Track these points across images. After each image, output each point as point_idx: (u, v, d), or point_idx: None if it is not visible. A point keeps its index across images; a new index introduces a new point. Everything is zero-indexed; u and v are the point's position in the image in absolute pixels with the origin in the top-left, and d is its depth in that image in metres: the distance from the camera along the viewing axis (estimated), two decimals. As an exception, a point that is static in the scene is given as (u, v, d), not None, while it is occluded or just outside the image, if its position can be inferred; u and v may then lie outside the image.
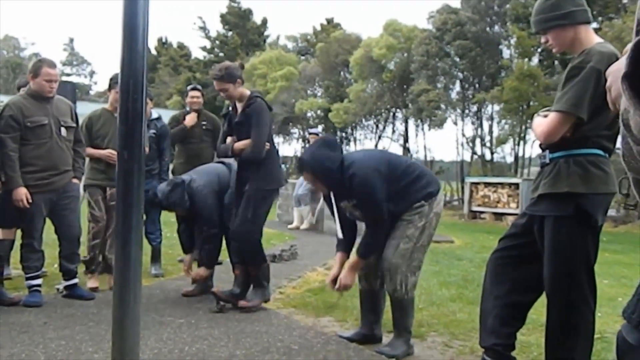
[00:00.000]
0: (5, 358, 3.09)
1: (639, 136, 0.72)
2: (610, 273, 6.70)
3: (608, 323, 4.08)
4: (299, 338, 3.59)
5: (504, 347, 2.87)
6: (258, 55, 31.31)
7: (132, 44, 1.82)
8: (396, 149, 26.80)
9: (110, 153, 4.77)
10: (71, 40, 65.41)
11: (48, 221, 4.51)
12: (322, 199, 10.49)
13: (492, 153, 23.89)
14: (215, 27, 44.67)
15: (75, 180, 4.52)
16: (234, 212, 4.40)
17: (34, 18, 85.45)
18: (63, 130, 4.41)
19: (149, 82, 2.30)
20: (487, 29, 22.15)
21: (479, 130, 24.20)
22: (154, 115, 5.74)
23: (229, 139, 4.40)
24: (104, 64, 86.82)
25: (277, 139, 35.84)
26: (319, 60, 29.23)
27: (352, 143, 30.98)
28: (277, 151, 4.66)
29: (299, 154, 33.52)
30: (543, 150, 2.75)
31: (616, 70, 0.84)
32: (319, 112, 29.36)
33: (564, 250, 2.63)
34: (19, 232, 4.51)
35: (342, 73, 28.98)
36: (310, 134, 12.37)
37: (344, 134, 31.02)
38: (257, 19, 39.21)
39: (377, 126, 29.41)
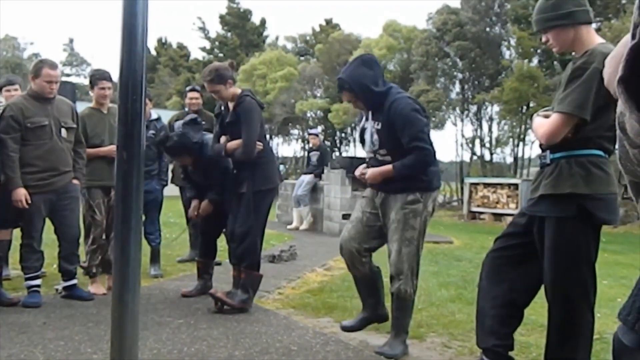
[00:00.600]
0: (4, 358, 3.09)
1: (635, 139, 0.72)
2: (609, 273, 6.70)
3: (607, 324, 4.08)
4: (298, 339, 3.59)
5: (503, 347, 2.87)
6: (258, 56, 31.32)
7: (132, 44, 1.82)
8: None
9: (112, 149, 4.73)
10: (71, 40, 65.53)
11: (47, 222, 4.51)
12: (321, 200, 10.52)
13: (491, 154, 23.92)
14: (215, 27, 44.70)
15: (75, 181, 4.52)
16: (231, 214, 4.39)
17: (33, 18, 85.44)
18: (63, 131, 4.41)
19: (148, 83, 2.30)
20: (487, 29, 22.17)
21: (479, 131, 24.23)
22: (154, 115, 5.74)
23: (222, 139, 4.38)
24: (104, 64, 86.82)
25: (277, 140, 35.88)
26: (320, 60, 29.24)
27: (351, 144, 31.00)
28: (271, 149, 4.64)
29: (298, 155, 33.57)
30: (543, 150, 2.75)
31: (612, 72, 0.84)
32: (318, 112, 29.37)
33: (566, 251, 2.63)
34: (17, 232, 4.51)
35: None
36: (309, 134, 12.38)
37: (343, 135, 31.04)
38: (256, 19, 39.25)
39: (376, 127, 29.35)
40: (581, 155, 2.62)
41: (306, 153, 12.92)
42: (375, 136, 3.44)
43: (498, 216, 15.05)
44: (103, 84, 4.78)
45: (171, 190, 6.40)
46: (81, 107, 5.05)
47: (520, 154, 22.93)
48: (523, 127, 21.21)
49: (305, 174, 11.21)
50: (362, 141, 3.61)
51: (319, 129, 27.08)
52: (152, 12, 1.87)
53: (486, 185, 15.81)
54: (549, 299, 2.73)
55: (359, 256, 3.54)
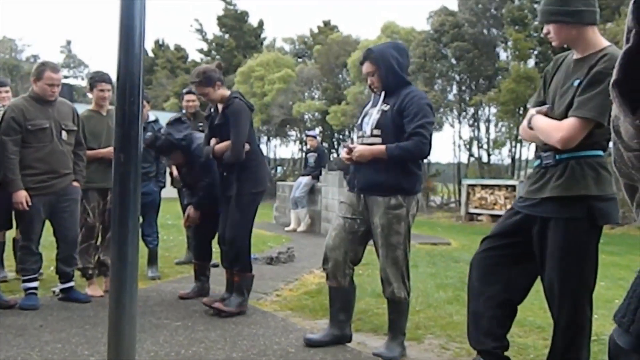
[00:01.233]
0: (1, 361, 3.08)
1: (629, 142, 0.73)
2: (606, 275, 6.70)
3: (605, 325, 4.08)
4: (296, 340, 3.59)
5: (502, 349, 2.86)
6: (255, 58, 31.32)
7: (129, 46, 1.82)
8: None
9: (110, 151, 4.72)
10: (68, 42, 65.30)
11: (46, 223, 4.50)
12: (319, 202, 10.51)
13: (489, 155, 23.92)
14: (212, 29, 44.67)
15: (75, 184, 4.51)
16: (221, 216, 4.39)
17: (31, 20, 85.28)
18: (64, 133, 4.41)
19: (146, 85, 2.30)
20: (484, 31, 22.21)
21: (476, 132, 24.24)
22: (151, 117, 5.74)
23: (212, 141, 4.36)
24: (101, 66, 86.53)
25: (275, 141, 35.87)
26: (317, 62, 29.24)
27: (349, 145, 30.94)
28: (261, 151, 4.62)
29: (296, 157, 33.55)
30: (545, 150, 2.70)
31: None
32: (316, 114, 29.37)
33: (576, 253, 2.61)
34: (10, 234, 4.50)
35: (340, 75, 29.01)
36: (307, 136, 12.38)
37: (341, 137, 31.03)
38: (253, 21, 39.24)
39: (374, 128, 29.37)
40: (589, 156, 2.60)
41: (304, 155, 12.91)
42: (376, 116, 3.42)
43: (496, 217, 15.04)
44: (102, 86, 4.77)
45: (169, 192, 6.39)
46: (78, 109, 5.04)
47: (517, 156, 22.93)
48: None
49: (303, 175, 11.20)
50: (360, 126, 3.57)
51: (317, 130, 27.11)
52: (149, 14, 1.88)
53: (484, 186, 15.81)
54: (554, 300, 2.69)
55: (343, 267, 3.50)
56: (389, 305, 3.49)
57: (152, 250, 5.77)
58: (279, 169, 34.57)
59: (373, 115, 3.45)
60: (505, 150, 23.66)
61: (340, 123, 26.10)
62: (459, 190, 19.93)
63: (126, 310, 1.82)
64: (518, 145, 22.38)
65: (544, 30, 2.74)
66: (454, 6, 23.27)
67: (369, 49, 3.55)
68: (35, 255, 4.36)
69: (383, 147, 3.35)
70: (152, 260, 5.77)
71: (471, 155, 24.51)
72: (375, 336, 3.87)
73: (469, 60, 21.78)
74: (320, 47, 29.20)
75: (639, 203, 0.82)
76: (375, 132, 3.41)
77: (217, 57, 37.82)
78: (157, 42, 43.41)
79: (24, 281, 4.33)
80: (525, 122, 2.82)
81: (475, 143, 24.24)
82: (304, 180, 10.85)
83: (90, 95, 4.96)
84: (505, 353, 2.89)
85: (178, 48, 42.78)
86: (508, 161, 23.47)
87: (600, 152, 2.65)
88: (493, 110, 22.78)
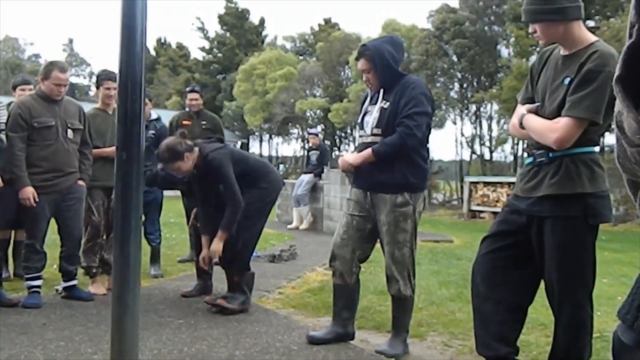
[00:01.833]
0: (4, 359, 3.09)
1: (633, 138, 0.72)
2: (609, 272, 6.70)
3: (607, 322, 4.08)
4: (299, 338, 3.59)
5: (515, 353, 2.81)
6: (257, 56, 31.33)
7: (130, 44, 1.82)
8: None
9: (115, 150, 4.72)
10: (70, 40, 65.56)
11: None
12: (321, 200, 10.51)
13: (491, 152, 23.93)
14: (214, 27, 44.64)
15: (80, 182, 4.52)
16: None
17: (33, 19, 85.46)
18: (70, 132, 4.41)
19: (148, 83, 2.30)
20: (486, 28, 22.19)
21: (478, 129, 24.24)
22: (154, 115, 5.74)
23: (204, 252, 4.29)
24: (104, 65, 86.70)
25: (277, 139, 35.90)
26: (319, 59, 29.23)
27: (351, 144, 30.98)
28: (261, 163, 4.53)
29: (298, 155, 33.56)
30: (538, 148, 2.68)
31: None
32: (318, 112, 29.37)
33: (573, 251, 2.60)
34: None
35: (342, 73, 29.00)
36: (309, 134, 12.38)
37: (343, 134, 31.04)
38: (254, 19, 39.26)
39: (376, 126, 29.35)
40: (582, 153, 2.59)
41: (306, 152, 12.91)
42: (376, 114, 3.39)
43: (499, 214, 15.02)
44: (109, 85, 4.77)
45: (171, 191, 6.39)
46: (81, 107, 5.04)
47: (520, 153, 22.91)
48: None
49: (305, 173, 11.21)
50: (361, 124, 3.54)
51: (319, 128, 27.10)
52: (151, 12, 1.88)
53: (486, 184, 15.80)
54: (554, 299, 2.69)
55: (351, 264, 3.49)
56: (393, 303, 3.48)
57: (155, 248, 5.77)
58: (281, 166, 34.60)
59: (373, 113, 3.42)
60: (507, 147, 23.70)
61: (342, 120, 26.11)
62: (461, 187, 19.91)
63: (129, 308, 1.82)
64: (520, 142, 22.34)
65: (530, 30, 2.72)
66: (455, 3, 23.23)
67: (363, 45, 3.47)
68: (40, 254, 4.36)
69: (370, 150, 3.34)
70: (155, 258, 5.78)
71: (473, 152, 24.52)
72: (378, 333, 3.87)
73: (471, 57, 21.76)
74: (322, 45, 29.20)
75: (642, 199, 0.81)
76: (376, 131, 3.39)
77: (219, 55, 37.86)
78: (159, 40, 43.47)
79: (27, 279, 4.33)
80: (515, 120, 2.78)
81: (477, 140, 24.25)
82: (306, 178, 10.85)
83: (92, 94, 4.98)
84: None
85: (180, 46, 42.82)
86: (510, 158, 23.49)
87: (594, 149, 2.64)
88: (495, 107, 22.78)
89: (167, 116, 7.52)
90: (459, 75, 23.56)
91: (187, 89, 6.57)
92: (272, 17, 68.81)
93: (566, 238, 2.60)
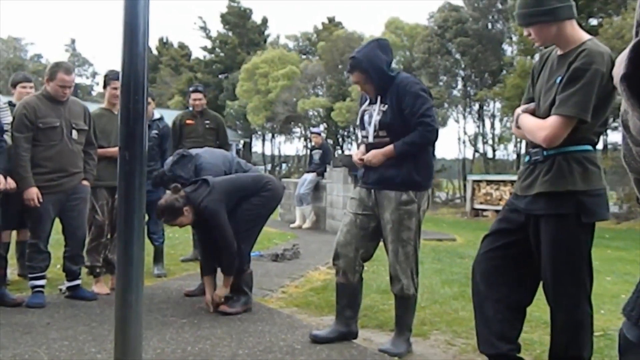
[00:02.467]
0: (8, 359, 3.09)
1: (638, 137, 0.72)
2: (612, 270, 6.69)
3: (611, 320, 4.07)
4: (302, 337, 3.59)
5: (516, 351, 2.82)
6: (259, 55, 31.32)
7: (133, 44, 1.82)
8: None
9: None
10: (73, 41, 65.52)
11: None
12: (324, 198, 10.51)
13: (494, 151, 23.89)
14: (216, 27, 44.66)
15: (85, 182, 4.53)
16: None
17: (35, 19, 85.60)
18: (74, 132, 4.42)
19: (150, 83, 2.30)
20: (489, 26, 22.14)
21: (481, 127, 24.20)
22: (156, 115, 5.74)
23: (208, 294, 4.29)
24: (106, 65, 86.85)
25: (279, 138, 35.89)
26: (322, 58, 29.21)
27: (354, 142, 30.97)
28: (258, 178, 4.51)
29: (300, 154, 33.56)
30: (534, 146, 2.71)
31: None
32: (320, 111, 29.35)
33: (567, 249, 2.61)
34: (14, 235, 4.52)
35: (344, 72, 28.95)
36: (312, 133, 12.39)
37: (346, 133, 31.02)
38: (257, 18, 39.25)
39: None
40: (576, 151, 2.61)
41: (308, 151, 12.91)
42: (377, 117, 3.41)
43: (499, 213, 14.99)
44: (116, 84, 4.77)
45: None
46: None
47: (523, 151, 22.86)
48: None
49: (308, 172, 11.21)
50: (362, 125, 3.56)
51: (321, 127, 27.10)
52: (153, 12, 1.87)
53: (489, 182, 15.78)
54: (550, 297, 2.70)
55: (354, 263, 3.49)
56: (397, 302, 3.48)
57: (158, 247, 5.77)
58: (284, 165, 34.59)
59: (374, 116, 3.44)
60: (510, 146, 23.66)
61: (345, 119, 26.10)
62: (464, 186, 19.90)
63: (132, 308, 1.82)
64: (523, 140, 22.30)
65: (525, 33, 2.77)
66: (458, 1, 23.20)
67: (354, 57, 3.42)
68: (44, 254, 4.37)
69: (391, 146, 3.35)
70: (158, 257, 5.78)
71: (476, 150, 24.48)
72: (381, 332, 3.87)
73: (473, 55, 21.72)
74: (325, 44, 29.17)
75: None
76: (381, 133, 3.41)
77: (221, 54, 37.86)
78: (160, 40, 43.52)
79: (31, 279, 4.34)
80: (514, 121, 2.84)
81: (480, 139, 24.21)
82: (309, 177, 10.85)
83: (94, 94, 4.99)
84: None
85: (182, 46, 42.85)
86: (513, 156, 23.43)
87: (589, 147, 2.65)
88: (498, 105, 22.74)
89: (169, 116, 7.53)
90: (462, 73, 23.52)
91: (191, 88, 6.59)
92: (275, 16, 68.90)
93: (559, 236, 2.62)
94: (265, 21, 39.49)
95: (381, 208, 3.42)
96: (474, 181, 16.34)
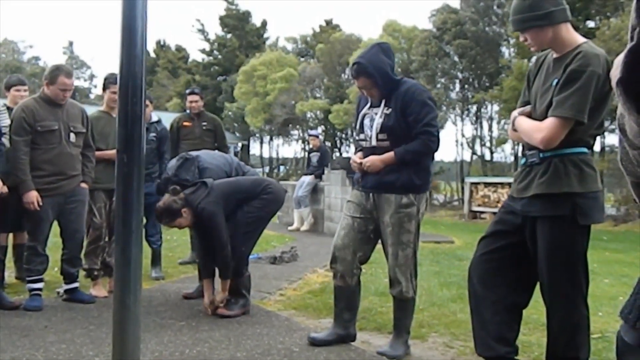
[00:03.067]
0: (6, 362, 3.09)
1: (634, 140, 0.73)
2: (610, 272, 6.70)
3: (609, 322, 4.08)
4: (300, 340, 3.59)
5: (515, 353, 2.83)
6: (258, 57, 31.32)
7: (131, 46, 1.82)
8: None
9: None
10: (71, 43, 65.44)
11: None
12: (322, 201, 10.51)
13: (491, 153, 23.92)
14: (214, 29, 44.63)
15: (83, 185, 4.52)
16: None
17: (33, 21, 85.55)
18: (72, 135, 4.42)
19: (148, 85, 2.30)
20: (487, 28, 22.17)
21: (479, 130, 24.23)
22: (154, 118, 5.74)
23: (206, 298, 4.26)
24: (104, 67, 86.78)
25: (277, 141, 35.88)
26: (320, 61, 29.23)
27: (351, 145, 30.99)
28: (268, 185, 4.46)
29: (299, 156, 33.56)
30: (530, 148, 2.72)
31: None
32: (318, 113, 29.37)
33: (562, 250, 2.62)
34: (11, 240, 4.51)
35: (343, 74, 28.99)
36: (310, 135, 12.38)
37: (344, 136, 31.02)
38: (255, 20, 39.27)
39: (377, 127, 29.32)
40: (572, 153, 2.62)
41: (306, 154, 12.92)
42: (380, 119, 3.40)
43: (496, 215, 14.99)
44: (115, 88, 4.76)
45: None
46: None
47: (520, 153, 22.89)
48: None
49: (306, 175, 11.21)
50: (362, 128, 3.54)
51: (319, 129, 27.09)
52: (150, 14, 1.87)
53: (487, 184, 15.80)
54: (546, 299, 2.71)
55: (352, 266, 3.49)
56: (395, 304, 3.48)
57: (156, 250, 5.77)
58: (282, 168, 34.59)
59: (376, 119, 3.43)
60: (508, 148, 23.66)
61: (343, 122, 26.11)
62: (462, 188, 19.90)
63: (130, 311, 1.82)
64: (519, 142, 22.33)
65: (521, 39, 2.78)
66: (456, 4, 23.23)
67: (358, 62, 3.40)
68: (42, 257, 4.36)
69: (392, 153, 3.36)
70: (156, 260, 5.78)
71: (474, 153, 24.51)
72: (380, 335, 3.87)
73: (471, 58, 21.75)
74: (323, 46, 29.18)
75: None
76: (381, 136, 3.41)
77: (219, 57, 37.86)
78: (158, 42, 43.51)
79: (29, 282, 4.33)
80: (510, 124, 2.85)
81: (478, 141, 24.23)
82: (307, 179, 10.85)
83: (92, 97, 4.98)
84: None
85: (179, 48, 42.85)
86: (511, 159, 23.44)
87: (584, 149, 2.66)
88: (496, 107, 22.76)
89: (167, 118, 7.52)
90: (460, 75, 23.54)
91: (187, 91, 6.60)
92: (273, 19, 68.98)
93: (555, 238, 2.62)
94: (263, 24, 39.51)
95: (380, 211, 3.42)
96: (472, 183, 16.35)
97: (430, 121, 3.35)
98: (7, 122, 4.52)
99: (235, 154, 31.68)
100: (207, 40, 39.48)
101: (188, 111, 6.49)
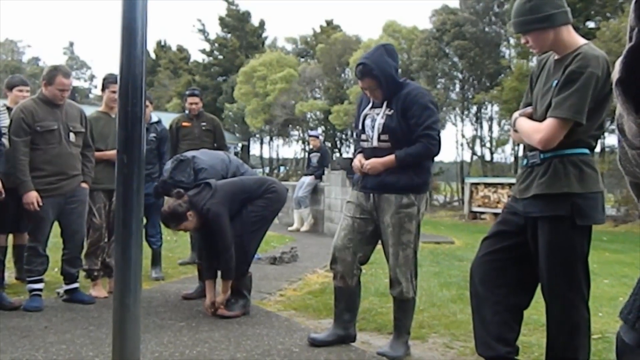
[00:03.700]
0: (6, 362, 3.09)
1: (633, 140, 0.73)
2: (610, 272, 6.69)
3: (609, 323, 4.08)
4: (300, 340, 3.59)
5: (514, 353, 2.83)
6: (258, 58, 31.31)
7: (131, 47, 1.82)
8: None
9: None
10: (71, 44, 65.55)
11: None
12: (322, 201, 10.51)
13: (491, 153, 23.90)
14: (215, 29, 44.62)
15: (84, 185, 4.52)
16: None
17: (33, 21, 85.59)
18: (72, 135, 4.42)
19: (148, 86, 2.30)
20: (486, 29, 22.16)
21: (479, 130, 24.22)
22: (154, 118, 5.74)
23: (208, 299, 4.25)
24: (104, 67, 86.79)
25: (277, 141, 35.87)
26: (320, 61, 29.21)
27: (352, 146, 30.98)
28: (259, 181, 4.49)
29: (299, 157, 33.56)
30: (531, 149, 2.73)
31: None
32: (318, 113, 29.35)
33: (562, 251, 2.62)
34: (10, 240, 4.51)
35: (343, 74, 28.97)
36: (310, 136, 12.38)
37: (344, 136, 31.01)
38: (255, 21, 39.22)
39: (377, 127, 29.31)
40: (572, 154, 2.63)
41: (306, 154, 12.92)
42: (381, 120, 3.41)
43: (499, 216, 15.00)
44: (114, 88, 4.77)
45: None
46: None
47: (520, 154, 22.87)
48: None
49: (306, 175, 11.21)
50: (363, 129, 3.54)
51: (319, 130, 27.08)
52: (151, 15, 1.88)
53: (487, 185, 15.80)
54: (546, 299, 2.71)
55: (352, 267, 3.49)
56: (395, 304, 3.48)
57: (156, 251, 5.77)
58: (282, 168, 34.58)
59: (378, 120, 3.43)
60: (508, 149, 23.65)
61: (343, 122, 26.08)
62: (462, 188, 19.89)
63: (130, 311, 1.82)
64: (521, 143, 22.31)
65: (522, 41, 2.80)
66: (455, 4, 23.23)
67: (363, 63, 3.40)
68: (42, 257, 4.36)
69: (392, 156, 3.36)
70: (156, 261, 5.78)
71: (474, 153, 24.49)
72: (380, 335, 3.87)
73: (471, 58, 21.74)
74: (323, 47, 29.15)
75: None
76: (383, 137, 3.41)
77: (220, 57, 37.85)
78: (159, 42, 43.47)
79: (30, 282, 4.33)
80: (512, 125, 2.86)
81: (478, 141, 24.22)
82: (307, 180, 10.85)
83: (92, 97, 4.98)
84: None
85: (180, 49, 42.79)
86: (511, 159, 23.43)
87: (585, 150, 2.66)
88: (496, 108, 22.75)
89: (167, 119, 7.52)
90: (460, 76, 23.54)
91: (187, 92, 6.61)
92: (273, 19, 68.99)
93: (554, 238, 2.63)
94: (263, 24, 39.48)
95: (381, 211, 3.42)
96: (472, 184, 16.34)
97: (432, 124, 3.36)
98: (7, 122, 4.52)
99: (236, 155, 31.68)
100: (208, 40, 39.47)
101: (187, 112, 6.49)
